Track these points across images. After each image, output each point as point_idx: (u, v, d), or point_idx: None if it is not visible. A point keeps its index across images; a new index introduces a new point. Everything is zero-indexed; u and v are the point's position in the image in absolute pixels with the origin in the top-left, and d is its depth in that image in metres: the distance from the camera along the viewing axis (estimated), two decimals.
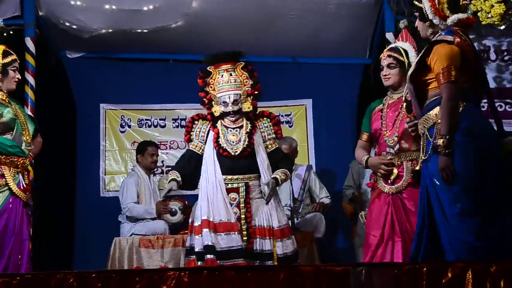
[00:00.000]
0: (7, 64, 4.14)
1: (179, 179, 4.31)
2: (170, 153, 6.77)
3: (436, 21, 3.37)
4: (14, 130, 4.13)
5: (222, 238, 4.10)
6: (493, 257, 3.04)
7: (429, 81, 3.36)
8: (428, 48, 3.35)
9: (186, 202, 5.69)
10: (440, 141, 3.22)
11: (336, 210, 6.10)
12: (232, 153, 4.27)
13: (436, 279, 2.81)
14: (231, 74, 4.32)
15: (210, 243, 4.09)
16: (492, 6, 4.83)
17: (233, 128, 4.34)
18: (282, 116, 6.87)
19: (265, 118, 4.44)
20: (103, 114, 6.74)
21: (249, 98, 4.34)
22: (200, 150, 4.38)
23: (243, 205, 4.22)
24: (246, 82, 4.34)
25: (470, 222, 3.20)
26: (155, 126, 6.74)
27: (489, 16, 4.83)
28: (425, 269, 2.83)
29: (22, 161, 4.15)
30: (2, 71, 4.12)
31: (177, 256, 5.29)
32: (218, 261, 4.05)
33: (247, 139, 4.29)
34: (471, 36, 3.52)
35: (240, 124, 4.35)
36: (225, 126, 4.34)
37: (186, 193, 5.40)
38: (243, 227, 4.17)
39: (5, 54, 4.16)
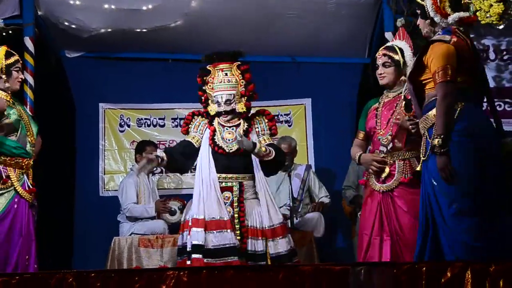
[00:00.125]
0: (11, 65, 4.17)
1: (163, 155, 4.24)
2: None
3: (437, 19, 3.37)
4: (19, 131, 4.15)
5: (215, 236, 4.09)
6: (493, 257, 3.04)
7: (426, 81, 3.36)
8: (425, 47, 3.35)
9: (185, 202, 5.69)
10: (435, 141, 3.22)
11: (335, 210, 6.11)
12: (227, 151, 4.26)
13: (435, 279, 2.81)
14: (226, 74, 4.32)
15: (198, 242, 4.07)
16: (491, 5, 4.83)
17: (229, 127, 4.34)
18: (281, 115, 6.87)
19: (260, 116, 4.44)
20: (102, 113, 6.73)
21: (243, 98, 4.33)
22: (197, 143, 4.36)
23: (236, 204, 4.21)
24: (242, 82, 4.33)
25: (468, 222, 3.20)
26: (154, 126, 6.74)
27: (488, 15, 4.83)
28: (424, 268, 2.83)
29: (26, 162, 4.17)
30: (6, 72, 4.14)
31: (176, 255, 5.29)
32: (211, 260, 4.03)
33: None
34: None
35: (237, 123, 4.35)
36: (222, 125, 4.34)
37: (186, 193, 5.40)
38: (236, 226, 4.16)
39: (8, 55, 4.18)
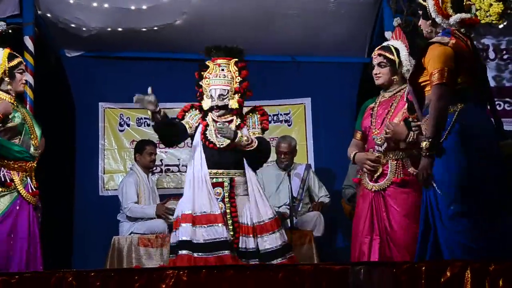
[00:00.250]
0: (14, 67, 4.18)
1: (160, 109, 4.20)
2: (169, 152, 6.76)
3: (439, 20, 3.36)
4: (22, 135, 4.16)
5: (206, 230, 4.07)
6: (494, 257, 3.04)
7: (425, 82, 3.35)
8: (424, 48, 3.34)
9: None
10: (423, 144, 3.22)
11: (335, 210, 6.11)
12: (218, 145, 4.25)
13: (435, 278, 2.81)
14: (223, 69, 4.31)
15: (186, 238, 4.06)
16: (491, 4, 4.82)
17: (222, 122, 4.31)
18: (281, 115, 6.87)
19: (253, 112, 4.43)
20: (102, 112, 6.73)
21: (236, 95, 4.31)
22: (189, 129, 4.35)
23: (227, 199, 4.20)
24: (238, 79, 4.32)
25: (467, 223, 3.20)
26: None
27: (488, 14, 4.83)
28: (424, 268, 2.83)
29: (30, 165, 4.18)
30: (9, 75, 4.15)
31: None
32: (202, 254, 4.01)
33: None
34: None
35: (230, 119, 4.33)
36: (214, 120, 4.33)
37: None
38: (228, 222, 4.15)
39: (11, 58, 4.18)
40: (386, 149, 3.85)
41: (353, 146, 4.07)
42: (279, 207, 5.94)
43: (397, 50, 3.97)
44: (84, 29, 6.06)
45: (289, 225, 5.55)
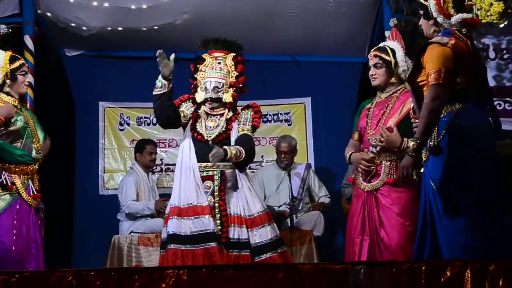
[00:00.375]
0: (15, 70, 4.18)
1: (171, 80, 4.17)
2: (169, 151, 6.77)
3: (440, 19, 3.36)
4: (24, 138, 4.16)
5: (193, 222, 4.02)
6: (492, 257, 3.04)
7: (423, 82, 3.34)
8: (423, 48, 3.34)
9: None
10: (410, 143, 3.24)
11: (335, 209, 6.11)
12: (206, 138, 4.20)
13: (435, 278, 2.80)
14: (219, 63, 4.27)
15: (174, 231, 4.03)
16: (491, 4, 4.83)
17: (214, 115, 4.27)
18: (281, 114, 6.87)
19: (247, 109, 4.35)
20: (102, 112, 6.74)
21: (231, 89, 4.26)
22: (184, 118, 4.30)
23: (217, 193, 4.12)
24: (234, 74, 4.27)
25: (464, 223, 3.20)
26: (154, 124, 6.72)
27: (489, 14, 4.83)
28: (424, 267, 2.83)
29: (32, 168, 4.18)
30: (11, 77, 4.15)
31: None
32: (190, 246, 3.97)
33: (224, 125, 4.22)
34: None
35: (221, 112, 4.27)
36: (207, 113, 4.28)
37: None
38: (216, 215, 4.08)
39: (12, 60, 4.19)
40: (380, 150, 3.86)
41: (350, 146, 4.08)
42: (279, 207, 5.94)
43: (393, 51, 3.97)
44: (84, 28, 6.06)
45: (289, 224, 5.55)
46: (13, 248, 4.04)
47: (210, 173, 4.17)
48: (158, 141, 6.55)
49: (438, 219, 3.26)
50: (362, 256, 3.81)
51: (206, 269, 2.93)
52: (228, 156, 4.07)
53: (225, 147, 4.08)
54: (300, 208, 5.98)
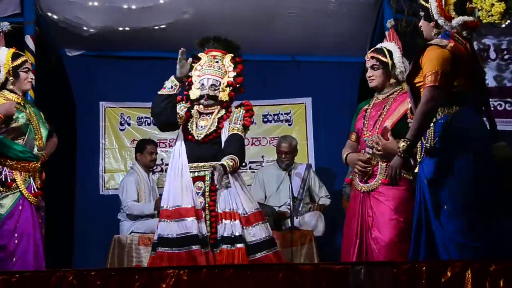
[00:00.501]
0: (18, 67, 4.20)
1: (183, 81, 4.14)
2: (170, 151, 6.74)
3: (441, 21, 3.36)
4: (26, 135, 4.16)
5: (178, 224, 3.99)
6: (494, 257, 3.05)
7: (420, 83, 3.34)
8: (422, 49, 3.34)
9: None
10: (400, 144, 3.24)
11: (335, 209, 6.11)
12: (196, 137, 4.14)
13: (435, 278, 2.80)
14: (217, 62, 4.24)
15: (162, 234, 4.01)
16: (493, 4, 4.83)
17: (206, 114, 4.21)
18: (281, 114, 6.87)
19: (240, 107, 4.27)
20: (102, 112, 6.74)
21: (228, 88, 4.23)
22: (180, 120, 4.24)
23: (207, 193, 4.07)
24: (231, 74, 4.23)
25: (461, 224, 3.21)
26: (155, 124, 6.71)
27: (490, 14, 4.83)
28: (424, 268, 2.83)
29: (33, 165, 4.18)
30: (13, 74, 4.17)
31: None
32: (176, 249, 3.94)
33: (215, 124, 4.16)
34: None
35: (215, 111, 4.21)
36: (199, 112, 4.23)
37: None
38: (206, 216, 4.04)
39: (15, 57, 4.21)
40: (380, 159, 3.86)
41: (347, 147, 4.10)
42: (279, 207, 5.94)
43: (390, 52, 3.98)
44: (85, 28, 6.06)
45: (290, 225, 5.55)
46: (16, 252, 4.06)
47: (202, 173, 4.11)
48: (158, 141, 6.55)
49: (434, 220, 3.27)
50: (352, 257, 3.82)
51: (206, 269, 2.93)
52: (228, 170, 3.97)
53: (222, 162, 3.97)
54: (300, 208, 5.98)
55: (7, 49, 4.27)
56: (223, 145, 4.11)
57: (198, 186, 4.10)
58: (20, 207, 4.11)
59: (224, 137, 4.14)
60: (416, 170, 3.46)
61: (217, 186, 3.95)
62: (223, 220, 4.03)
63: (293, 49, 6.64)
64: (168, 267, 3.05)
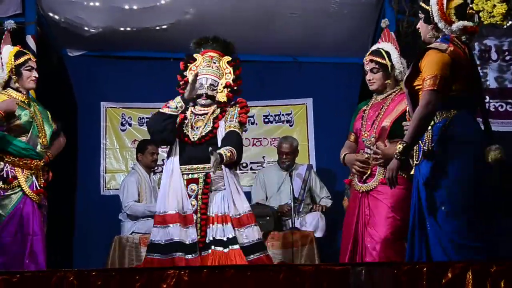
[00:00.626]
0: (20, 65, 4.22)
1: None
2: None
3: (441, 25, 3.36)
4: (30, 133, 4.17)
5: (164, 230, 4.00)
6: (494, 258, 3.05)
7: (419, 86, 3.35)
8: (422, 53, 3.35)
9: None
10: (397, 146, 3.26)
11: (336, 210, 6.10)
12: (192, 139, 4.13)
13: (436, 280, 2.81)
14: (214, 62, 4.23)
15: (152, 240, 4.03)
16: (494, 6, 4.83)
17: (201, 115, 4.19)
18: (282, 115, 6.87)
19: (235, 105, 4.25)
20: (103, 112, 6.75)
21: (226, 89, 4.21)
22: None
23: (200, 196, 4.05)
24: (228, 76, 4.22)
25: (460, 224, 3.21)
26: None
27: (491, 15, 4.83)
28: (425, 269, 2.83)
29: (36, 163, 4.19)
30: (16, 73, 4.18)
31: None
32: (163, 256, 3.95)
33: (210, 124, 4.15)
34: None
35: (208, 112, 4.18)
36: (194, 113, 4.22)
37: None
38: (198, 219, 4.02)
39: (18, 55, 4.24)
40: (381, 166, 3.86)
41: (345, 148, 4.11)
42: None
43: (388, 53, 3.98)
44: (86, 28, 6.07)
45: (291, 225, 5.55)
46: (17, 253, 4.06)
47: (195, 175, 4.10)
48: None
49: (429, 221, 3.27)
50: (347, 254, 3.84)
51: (207, 270, 2.94)
52: (225, 160, 3.97)
53: (220, 151, 3.96)
54: (301, 209, 5.98)
55: (12, 47, 4.29)
56: (219, 145, 4.09)
57: (192, 189, 4.09)
58: (22, 205, 4.11)
59: (220, 137, 4.13)
60: (412, 172, 3.47)
61: (211, 170, 3.92)
62: (215, 224, 4.02)
63: (294, 49, 6.64)
64: (168, 268, 3.05)
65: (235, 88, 4.22)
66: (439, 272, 2.82)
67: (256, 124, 6.82)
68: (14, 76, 4.21)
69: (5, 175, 4.09)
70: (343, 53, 6.58)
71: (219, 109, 4.21)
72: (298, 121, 6.86)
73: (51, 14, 5.91)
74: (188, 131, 4.16)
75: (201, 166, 4.09)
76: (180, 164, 4.12)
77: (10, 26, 4.47)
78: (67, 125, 6.56)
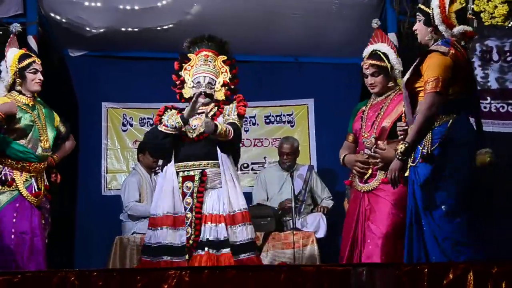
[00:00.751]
0: (24, 68, 4.22)
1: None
2: None
3: (442, 28, 3.38)
4: (30, 136, 4.17)
5: (153, 233, 4.01)
6: (495, 258, 3.05)
7: (419, 88, 3.37)
8: (423, 55, 3.36)
9: None
10: (399, 146, 3.26)
11: (337, 211, 6.10)
12: (190, 136, 4.12)
13: (437, 280, 2.81)
14: (210, 61, 4.23)
15: (146, 243, 4.05)
16: (496, 7, 4.83)
17: (198, 113, 4.17)
18: (283, 115, 6.87)
19: (232, 102, 4.24)
20: (105, 112, 6.75)
21: (223, 88, 4.21)
22: (174, 130, 4.16)
23: (195, 194, 4.04)
24: (225, 75, 4.22)
25: (458, 223, 3.23)
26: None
27: (493, 16, 4.83)
28: (426, 270, 2.83)
29: (34, 166, 4.18)
30: (20, 76, 4.19)
31: None
32: (154, 258, 3.97)
33: None
34: None
35: (205, 109, 4.15)
36: None
37: None
38: (192, 218, 4.02)
39: (22, 58, 4.24)
40: (375, 152, 3.86)
41: (344, 148, 4.11)
42: None
43: (385, 55, 3.98)
44: (87, 28, 6.07)
45: (292, 226, 5.55)
46: (12, 248, 4.06)
47: (191, 173, 4.09)
48: None
49: (428, 221, 3.27)
50: (346, 251, 3.85)
51: (208, 270, 2.94)
52: (218, 131, 3.93)
53: (216, 122, 3.96)
54: (302, 209, 5.98)
55: (18, 50, 4.29)
56: (217, 143, 4.08)
57: (187, 186, 4.08)
58: (17, 204, 4.11)
59: None
60: (406, 174, 3.48)
61: (204, 128, 3.92)
62: (208, 223, 4.01)
63: (295, 50, 6.64)
64: (169, 268, 3.05)
65: (232, 86, 4.22)
66: (440, 273, 2.83)
67: (257, 124, 6.82)
68: (18, 79, 4.21)
69: (3, 178, 4.10)
70: (344, 53, 6.58)
71: (216, 107, 4.21)
72: (299, 121, 6.86)
73: (52, 15, 5.91)
74: (186, 130, 4.15)
75: (197, 163, 4.09)
76: (177, 162, 4.12)
77: (16, 29, 4.46)
78: (68, 125, 6.59)
